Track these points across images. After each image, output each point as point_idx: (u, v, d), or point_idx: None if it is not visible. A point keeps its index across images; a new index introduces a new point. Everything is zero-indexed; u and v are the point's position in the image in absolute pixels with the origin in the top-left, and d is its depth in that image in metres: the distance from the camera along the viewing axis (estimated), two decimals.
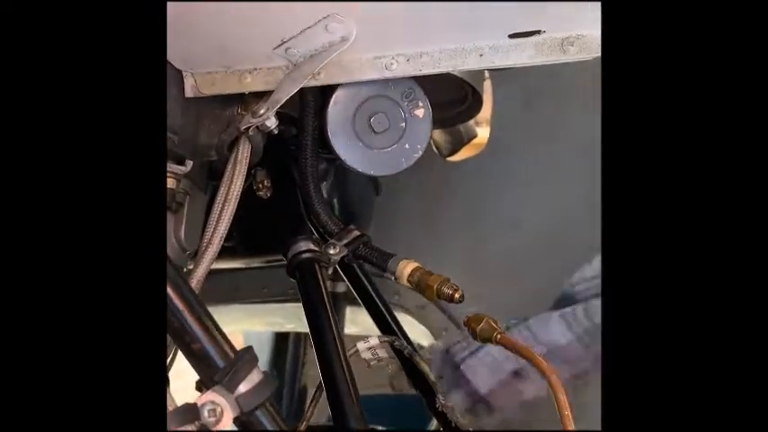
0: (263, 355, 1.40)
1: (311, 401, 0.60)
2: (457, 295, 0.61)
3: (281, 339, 1.55)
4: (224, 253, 0.63)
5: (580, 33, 0.57)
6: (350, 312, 1.07)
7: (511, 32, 0.58)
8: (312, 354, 1.62)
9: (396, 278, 0.65)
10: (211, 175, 0.79)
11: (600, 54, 0.58)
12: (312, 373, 1.60)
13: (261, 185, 0.76)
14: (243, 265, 1.06)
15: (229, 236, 0.63)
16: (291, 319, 1.21)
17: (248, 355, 0.48)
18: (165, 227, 0.56)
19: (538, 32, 0.57)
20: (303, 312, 0.67)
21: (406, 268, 0.65)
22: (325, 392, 0.58)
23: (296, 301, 1.10)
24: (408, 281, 0.64)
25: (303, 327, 1.33)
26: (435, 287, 0.62)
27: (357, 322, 1.08)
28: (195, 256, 0.64)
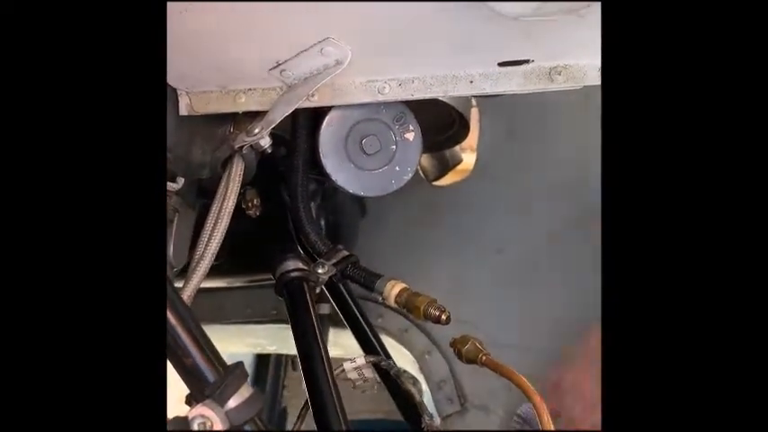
0: None
1: (298, 418, 0.60)
2: (444, 316, 0.62)
3: (261, 362, 1.54)
4: (210, 271, 0.64)
5: (567, 63, 0.59)
6: (333, 335, 1.07)
7: (500, 61, 0.59)
8: (292, 377, 1.61)
9: (383, 298, 0.66)
10: (201, 193, 0.80)
11: (585, 83, 0.60)
12: (292, 397, 1.59)
13: (250, 204, 0.76)
14: (227, 285, 1.06)
15: (217, 254, 0.64)
16: (274, 340, 1.21)
17: (238, 370, 0.48)
18: (166, 242, 0.56)
19: (526, 62, 0.59)
20: (286, 333, 0.67)
21: (394, 289, 0.65)
22: (311, 409, 0.58)
23: (279, 321, 1.11)
24: (396, 301, 0.65)
25: (286, 348, 1.33)
26: (422, 308, 0.63)
27: (340, 345, 1.08)
28: (183, 272, 0.65)
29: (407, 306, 0.64)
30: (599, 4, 0.48)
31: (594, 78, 0.59)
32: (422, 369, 1.07)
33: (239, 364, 0.48)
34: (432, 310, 0.62)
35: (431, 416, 0.63)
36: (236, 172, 0.63)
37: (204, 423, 0.44)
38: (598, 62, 0.59)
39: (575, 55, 0.59)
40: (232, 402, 0.46)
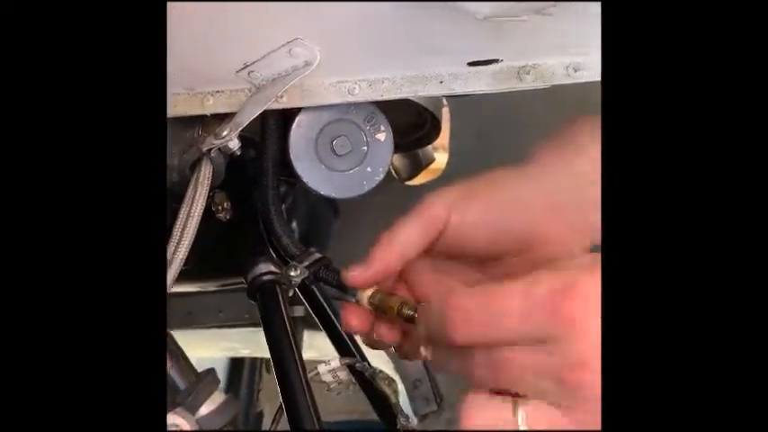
0: None
1: (272, 422, 0.60)
2: (417, 315, 0.62)
3: (235, 366, 1.53)
4: (180, 276, 0.63)
5: (536, 62, 0.59)
6: (307, 337, 1.06)
7: (470, 60, 0.60)
8: (267, 380, 1.61)
9: (356, 300, 0.65)
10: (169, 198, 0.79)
11: (553, 82, 0.61)
12: (268, 400, 1.58)
13: (220, 208, 0.76)
14: (198, 289, 1.05)
15: (186, 259, 0.63)
16: (248, 343, 1.20)
17: (210, 377, 0.47)
18: (165, 244, 0.56)
19: (496, 61, 0.59)
20: (260, 337, 0.67)
21: (367, 290, 0.65)
22: (285, 414, 0.58)
23: (252, 325, 1.10)
24: (369, 302, 0.64)
25: (260, 351, 1.32)
26: (396, 308, 0.62)
27: (315, 347, 1.07)
28: None
29: (381, 306, 0.64)
30: (566, 3, 0.49)
31: (562, 77, 0.60)
32: (397, 369, 1.07)
33: (211, 371, 0.48)
34: (405, 310, 0.62)
35: (406, 417, 0.62)
36: (205, 175, 0.62)
37: None
38: (566, 61, 0.59)
39: (543, 54, 0.59)
40: (204, 409, 0.45)
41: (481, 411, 0.49)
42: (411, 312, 0.62)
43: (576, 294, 0.45)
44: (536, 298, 0.46)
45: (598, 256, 0.47)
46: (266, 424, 1.61)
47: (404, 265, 0.63)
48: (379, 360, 1.08)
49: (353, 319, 0.64)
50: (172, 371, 0.46)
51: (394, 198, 1.08)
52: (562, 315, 0.45)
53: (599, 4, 0.47)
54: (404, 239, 0.62)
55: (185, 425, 0.43)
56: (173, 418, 0.44)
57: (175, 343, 0.48)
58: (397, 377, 1.09)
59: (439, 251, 0.63)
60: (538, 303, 0.46)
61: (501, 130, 1.06)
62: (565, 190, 0.63)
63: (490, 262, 0.65)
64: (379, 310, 0.64)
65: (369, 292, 0.65)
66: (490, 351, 0.49)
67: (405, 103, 0.67)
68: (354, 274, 0.61)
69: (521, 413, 0.47)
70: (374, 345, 0.65)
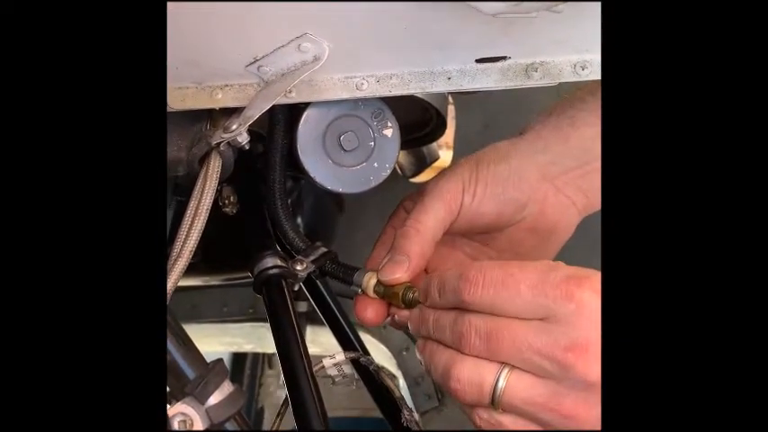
0: None
1: (277, 416, 0.60)
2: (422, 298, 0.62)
3: (237, 360, 1.53)
4: (186, 270, 0.63)
5: (543, 60, 0.60)
6: (311, 332, 1.07)
7: (478, 57, 0.60)
8: (268, 375, 1.61)
9: (362, 290, 0.66)
10: (175, 191, 0.79)
11: (561, 80, 0.61)
12: (268, 395, 1.59)
13: (227, 201, 0.76)
14: (202, 283, 1.05)
15: (193, 252, 0.63)
16: (251, 338, 1.21)
17: (218, 367, 0.48)
18: (165, 239, 0.56)
19: (503, 58, 0.60)
20: (263, 332, 0.67)
21: (372, 279, 0.66)
22: (291, 408, 0.58)
23: (256, 320, 1.11)
24: (375, 291, 0.65)
25: (262, 347, 1.33)
26: (401, 294, 0.63)
27: (318, 342, 1.08)
28: None
29: (386, 295, 0.65)
30: (575, 2, 0.49)
31: (570, 75, 0.60)
32: (399, 365, 1.07)
33: (219, 361, 0.48)
34: (410, 294, 0.63)
35: (410, 410, 0.63)
36: (214, 169, 0.62)
37: (184, 422, 0.43)
38: (574, 58, 0.60)
39: (551, 52, 0.59)
40: (212, 399, 0.46)
41: (467, 365, 0.52)
42: (415, 296, 0.62)
43: (589, 285, 0.48)
44: (552, 278, 0.49)
45: None
46: (266, 419, 1.62)
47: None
48: (382, 357, 1.09)
49: (368, 311, 0.65)
50: (181, 361, 0.46)
51: (399, 194, 1.09)
52: (573, 298, 0.48)
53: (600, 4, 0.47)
54: (432, 225, 0.64)
55: (194, 415, 0.44)
56: (181, 408, 0.44)
57: (184, 332, 0.48)
58: (399, 374, 1.09)
59: (450, 229, 0.66)
60: (553, 283, 0.49)
61: (508, 121, 1.06)
62: (558, 161, 0.66)
63: (491, 234, 0.68)
64: (385, 299, 0.65)
65: (374, 281, 0.66)
66: (489, 318, 0.51)
67: (411, 101, 0.68)
68: (398, 276, 0.64)
69: (503, 376, 0.51)
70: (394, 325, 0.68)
